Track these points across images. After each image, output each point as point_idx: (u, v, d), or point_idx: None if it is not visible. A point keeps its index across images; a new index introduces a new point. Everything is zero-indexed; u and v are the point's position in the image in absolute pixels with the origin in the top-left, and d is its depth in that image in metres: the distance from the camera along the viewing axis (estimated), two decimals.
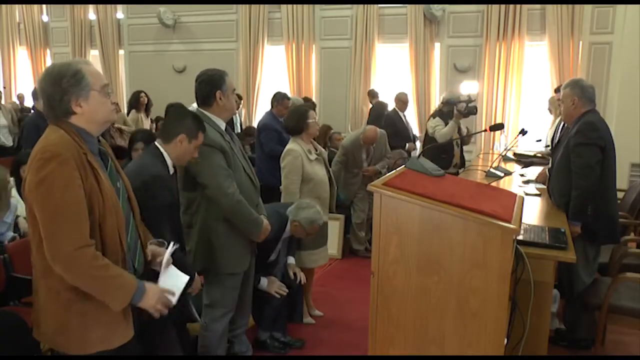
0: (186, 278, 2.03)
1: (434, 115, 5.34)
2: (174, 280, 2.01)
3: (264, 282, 3.12)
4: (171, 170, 2.38)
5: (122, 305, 1.69)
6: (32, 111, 5.20)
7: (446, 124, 5.06)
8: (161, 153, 2.37)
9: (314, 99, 7.54)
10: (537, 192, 3.64)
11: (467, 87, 6.74)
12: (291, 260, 3.37)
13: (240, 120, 6.84)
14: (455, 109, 4.97)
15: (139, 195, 2.06)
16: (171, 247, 1.98)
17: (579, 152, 2.97)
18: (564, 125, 3.74)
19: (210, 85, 2.59)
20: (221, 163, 2.53)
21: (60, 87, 1.66)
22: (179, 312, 2.51)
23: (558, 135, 3.88)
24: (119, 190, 1.82)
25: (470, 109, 4.93)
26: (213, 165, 2.51)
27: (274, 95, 5.20)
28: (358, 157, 4.96)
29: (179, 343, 2.45)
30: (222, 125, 2.64)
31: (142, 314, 1.95)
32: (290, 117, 3.58)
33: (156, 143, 2.41)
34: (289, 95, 5.70)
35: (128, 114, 6.56)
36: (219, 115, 2.63)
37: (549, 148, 5.28)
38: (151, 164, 2.33)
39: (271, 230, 2.83)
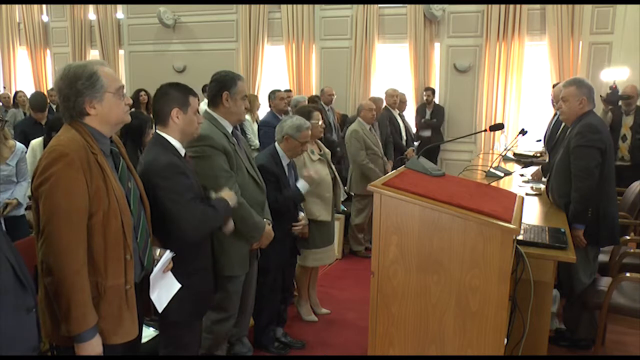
0: (178, 286, 2.04)
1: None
2: (167, 287, 2.01)
3: (301, 185, 3.07)
4: (182, 152, 2.26)
5: (71, 331, 1.61)
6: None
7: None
8: (165, 139, 2.24)
9: None
10: (535, 192, 3.64)
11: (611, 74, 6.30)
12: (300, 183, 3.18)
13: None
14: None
15: (160, 189, 2.07)
16: (168, 254, 1.98)
17: (578, 155, 2.96)
18: (560, 123, 3.73)
19: (219, 85, 2.57)
20: (223, 165, 2.50)
21: (76, 88, 1.68)
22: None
23: (550, 132, 3.87)
24: (130, 191, 1.82)
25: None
26: (214, 167, 2.48)
27: (268, 95, 5.66)
28: (371, 138, 5.00)
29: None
30: (229, 128, 2.60)
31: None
32: None
33: (157, 131, 2.29)
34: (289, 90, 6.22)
35: None
36: (226, 118, 2.59)
37: (541, 142, 5.29)
38: (161, 153, 2.19)
39: (266, 163, 3.00)
